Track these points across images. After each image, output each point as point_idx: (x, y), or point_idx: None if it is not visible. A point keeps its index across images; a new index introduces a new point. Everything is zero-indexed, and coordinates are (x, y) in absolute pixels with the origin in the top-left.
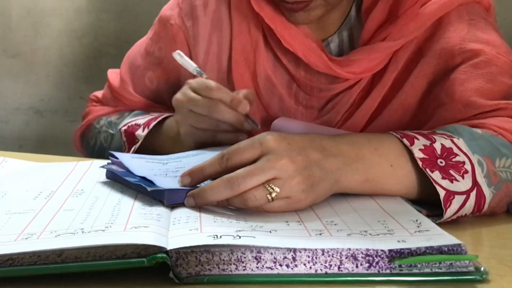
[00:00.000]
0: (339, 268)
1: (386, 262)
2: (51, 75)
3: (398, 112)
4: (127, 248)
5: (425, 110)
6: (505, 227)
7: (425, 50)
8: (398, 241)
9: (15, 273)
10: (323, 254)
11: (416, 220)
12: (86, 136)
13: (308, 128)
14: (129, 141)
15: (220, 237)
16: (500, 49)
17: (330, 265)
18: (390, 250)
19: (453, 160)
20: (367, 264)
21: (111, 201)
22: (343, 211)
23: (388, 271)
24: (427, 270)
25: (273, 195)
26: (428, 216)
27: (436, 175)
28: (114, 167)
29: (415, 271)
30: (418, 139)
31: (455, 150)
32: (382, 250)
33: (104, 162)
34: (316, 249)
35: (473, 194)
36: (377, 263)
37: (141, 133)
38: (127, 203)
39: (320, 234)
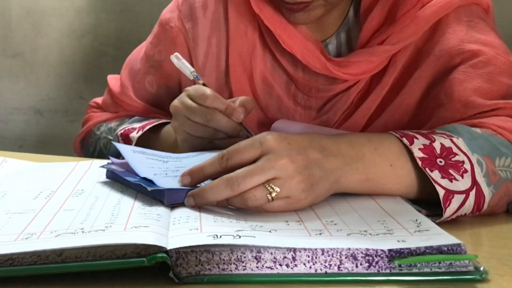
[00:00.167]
0: (339, 267)
1: (386, 261)
2: (51, 75)
3: (397, 113)
4: (127, 248)
5: (424, 110)
6: (505, 227)
7: (424, 52)
8: (398, 241)
9: (15, 273)
10: (323, 254)
11: (416, 220)
12: (86, 142)
13: (308, 130)
14: (125, 144)
15: (220, 236)
16: (498, 49)
17: (330, 265)
18: (389, 250)
19: (453, 159)
20: (367, 264)
21: (111, 201)
22: (343, 211)
23: (387, 270)
24: (426, 269)
25: (273, 194)
26: (427, 216)
27: (435, 175)
28: (114, 167)
29: (414, 270)
30: (417, 138)
31: (455, 149)
32: (381, 250)
33: (104, 162)
34: (316, 249)
35: (472, 194)
36: (377, 262)
37: (134, 135)
38: (127, 203)
39: (320, 234)
